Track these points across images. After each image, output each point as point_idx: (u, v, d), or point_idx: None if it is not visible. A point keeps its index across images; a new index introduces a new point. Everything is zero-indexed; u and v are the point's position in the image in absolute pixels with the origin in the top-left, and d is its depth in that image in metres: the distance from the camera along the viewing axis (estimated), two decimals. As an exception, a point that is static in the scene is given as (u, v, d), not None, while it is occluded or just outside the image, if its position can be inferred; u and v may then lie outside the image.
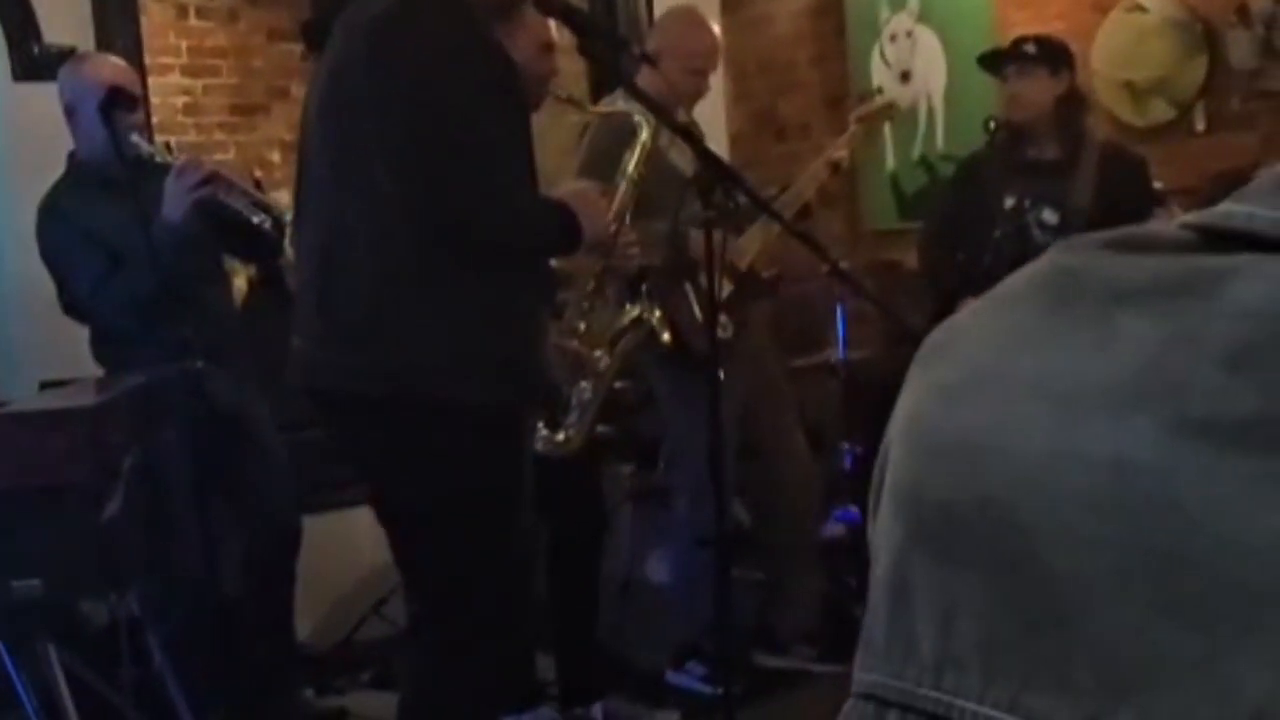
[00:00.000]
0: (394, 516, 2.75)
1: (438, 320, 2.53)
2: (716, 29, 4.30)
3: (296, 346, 2.71)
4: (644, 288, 3.83)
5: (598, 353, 3.69)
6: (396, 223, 2.50)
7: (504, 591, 2.67)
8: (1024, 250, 4.10)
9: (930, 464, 0.53)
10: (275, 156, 6.77)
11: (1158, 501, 0.46)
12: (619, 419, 4.74)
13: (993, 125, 4.24)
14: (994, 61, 4.25)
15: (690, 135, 2.84)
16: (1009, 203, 4.11)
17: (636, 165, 3.44)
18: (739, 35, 6.03)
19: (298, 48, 6.88)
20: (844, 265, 4.80)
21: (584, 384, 3.64)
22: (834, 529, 4.91)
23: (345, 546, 4.89)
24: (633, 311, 3.75)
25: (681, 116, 3.66)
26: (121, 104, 3.38)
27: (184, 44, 6.42)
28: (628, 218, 3.36)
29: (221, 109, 6.62)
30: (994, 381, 0.53)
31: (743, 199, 3.20)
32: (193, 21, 6.52)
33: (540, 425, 3.42)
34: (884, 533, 0.57)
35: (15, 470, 2.43)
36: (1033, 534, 0.48)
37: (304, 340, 2.68)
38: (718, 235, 3.02)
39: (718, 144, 4.20)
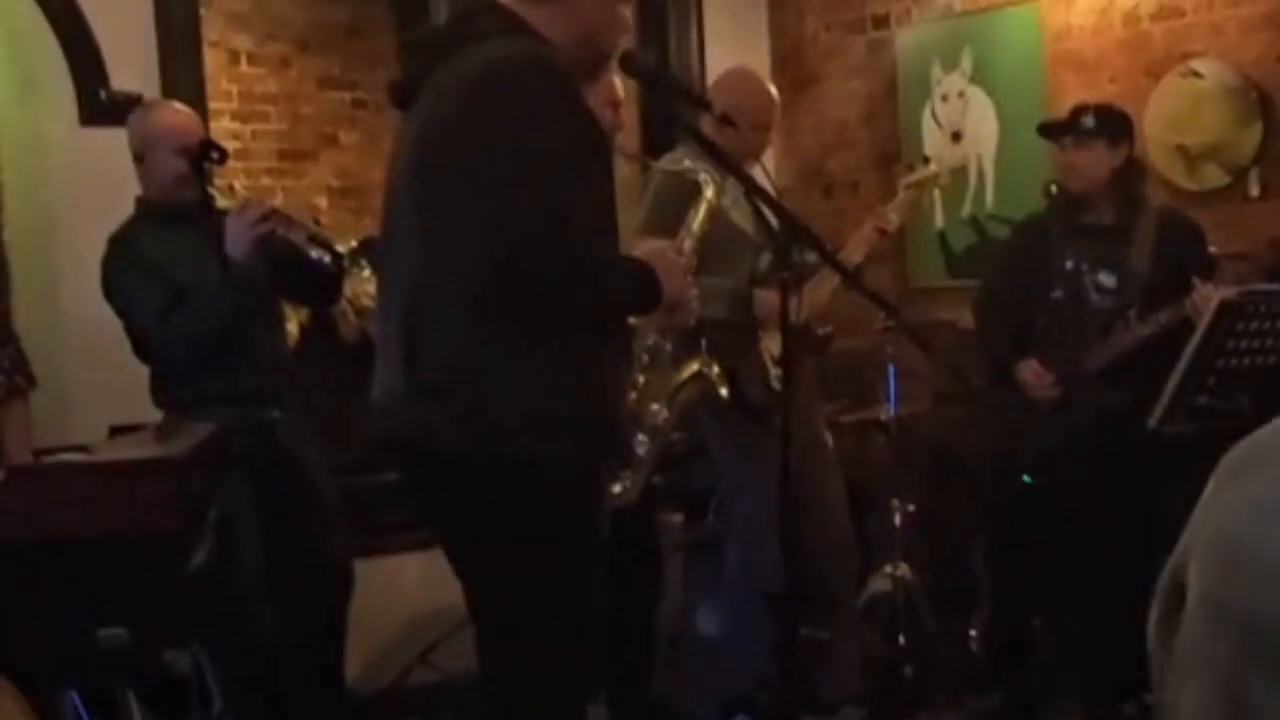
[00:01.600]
0: (469, 571, 2.75)
1: (520, 378, 2.54)
2: (774, 88, 4.35)
3: (376, 399, 2.72)
4: (703, 342, 3.86)
5: (655, 406, 3.71)
6: (482, 281, 2.51)
7: (575, 648, 2.68)
8: (1081, 313, 4.13)
9: (1260, 584, 0.55)
10: (322, 202, 6.83)
11: None
12: (669, 469, 4.76)
13: (1053, 190, 4.27)
14: (1052, 131, 4.28)
15: (768, 196, 2.86)
16: (1067, 265, 4.13)
17: (702, 223, 3.46)
18: (790, 93, 6.06)
19: (347, 95, 6.97)
20: (893, 322, 4.85)
21: (641, 437, 3.66)
22: (881, 585, 4.90)
23: (393, 592, 4.90)
24: (692, 366, 3.78)
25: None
26: (211, 155, 3.43)
27: (235, 89, 6.49)
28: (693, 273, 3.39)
29: (270, 154, 6.68)
30: None
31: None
32: (245, 68, 6.60)
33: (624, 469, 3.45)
34: (1198, 644, 0.58)
35: (105, 519, 2.45)
36: None
37: (385, 394, 2.70)
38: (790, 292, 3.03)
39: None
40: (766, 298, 4.01)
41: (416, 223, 2.61)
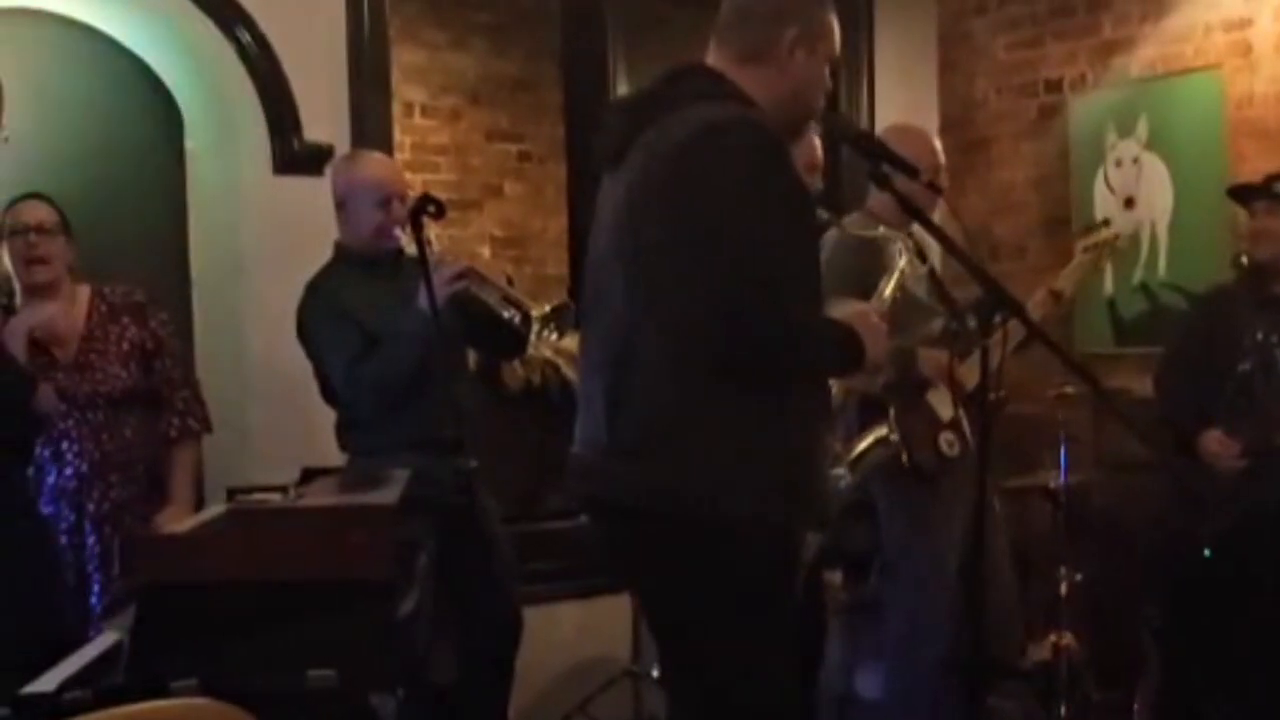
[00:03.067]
0: (664, 630, 2.77)
1: (726, 441, 2.55)
2: (939, 146, 4.36)
3: (577, 455, 2.75)
4: (891, 410, 3.86)
5: (840, 470, 3.71)
6: (688, 340, 2.54)
7: (770, 713, 2.68)
8: (1270, 385, 4.06)
9: None
10: (485, 251, 6.93)
11: None
12: (829, 528, 4.74)
13: (1243, 260, 4.21)
14: (1243, 195, 4.22)
15: (968, 260, 2.86)
16: (1257, 337, 4.07)
17: (894, 289, 3.48)
18: (958, 154, 6.05)
19: (514, 148, 7.08)
20: (1065, 390, 4.80)
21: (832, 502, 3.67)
22: (1044, 654, 4.83)
23: (553, 640, 4.94)
24: (879, 431, 3.77)
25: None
26: (429, 209, 3.52)
27: (408, 140, 6.63)
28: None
29: (440, 204, 6.80)
30: None
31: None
32: (418, 119, 6.74)
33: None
34: None
35: (319, 563, 2.50)
36: None
37: (586, 449, 2.73)
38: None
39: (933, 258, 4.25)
40: (932, 356, 4.00)
41: (624, 281, 2.64)
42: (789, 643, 2.71)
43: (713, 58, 2.77)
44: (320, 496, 2.85)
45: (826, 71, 2.84)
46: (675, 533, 2.58)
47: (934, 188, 2.92)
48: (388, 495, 2.70)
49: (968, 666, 3.26)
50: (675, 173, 2.56)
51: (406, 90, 6.57)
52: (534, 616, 4.38)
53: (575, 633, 5.14)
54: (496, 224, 7.04)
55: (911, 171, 2.85)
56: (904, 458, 3.83)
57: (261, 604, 2.51)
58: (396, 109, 6.39)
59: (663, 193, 2.58)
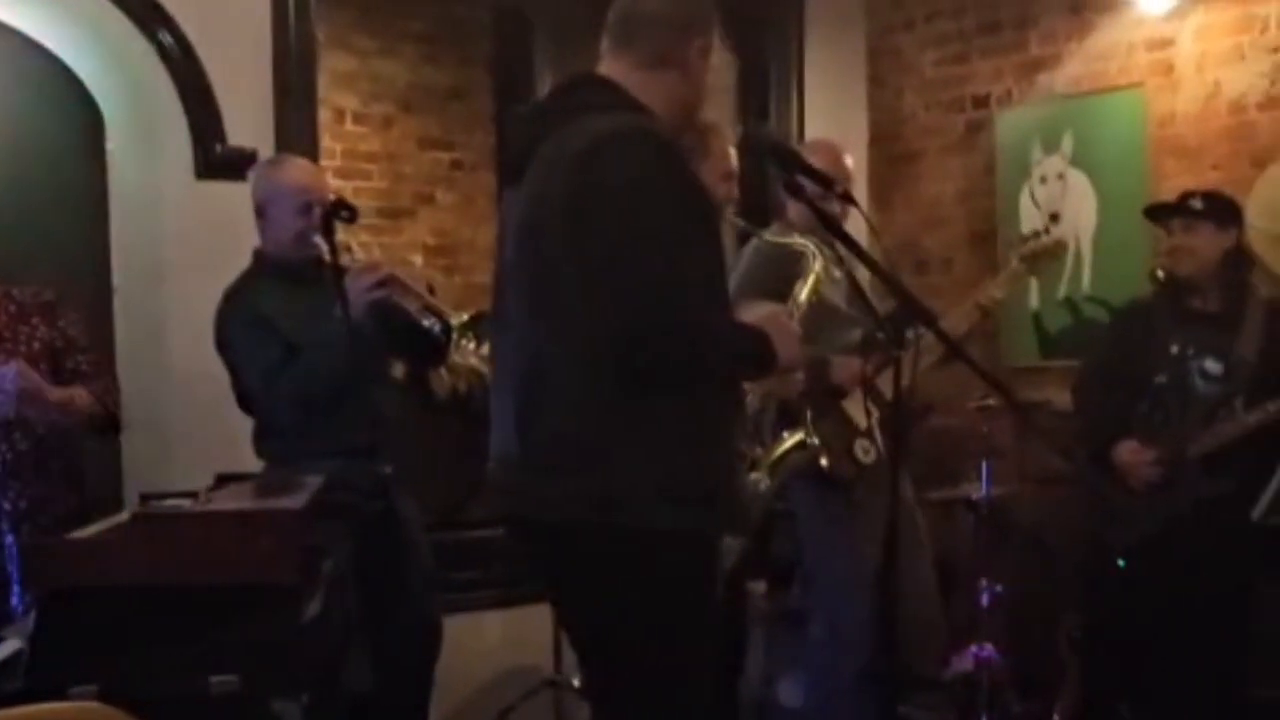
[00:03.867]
0: (586, 642, 2.76)
1: (638, 449, 2.54)
2: (850, 160, 4.40)
3: (493, 472, 2.74)
4: (808, 413, 3.87)
5: (755, 475, 3.72)
6: (596, 352, 2.53)
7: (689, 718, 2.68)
8: (1185, 399, 4.11)
9: None
10: (417, 259, 6.91)
11: None
12: (752, 538, 4.76)
13: (1160, 275, 4.26)
14: (1160, 213, 4.28)
15: (882, 270, 2.88)
16: (1173, 350, 4.11)
17: (809, 294, 3.49)
18: (886, 168, 6.11)
19: (445, 156, 7.06)
20: (987, 401, 4.85)
21: (749, 507, 3.67)
22: (964, 664, 4.86)
23: (475, 649, 4.93)
24: (796, 435, 3.79)
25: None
26: (342, 215, 3.50)
27: (339, 147, 6.59)
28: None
29: (369, 211, 6.75)
30: None
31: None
32: (349, 126, 6.71)
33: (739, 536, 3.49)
34: None
35: (223, 568, 2.48)
36: None
37: (503, 465, 2.71)
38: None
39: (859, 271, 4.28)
40: (843, 365, 4.02)
41: (529, 295, 2.63)
42: (709, 651, 2.70)
43: (607, 66, 2.76)
44: (228, 501, 2.83)
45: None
46: (593, 545, 2.57)
47: (847, 198, 2.93)
48: (294, 500, 2.68)
49: (882, 677, 3.27)
50: (574, 184, 2.55)
51: (337, 97, 6.53)
52: (457, 625, 4.36)
53: (497, 642, 5.13)
54: (429, 232, 7.02)
55: (826, 182, 2.87)
56: (822, 461, 3.84)
57: (164, 609, 2.49)
58: (327, 116, 6.37)
59: (563, 204, 2.57)
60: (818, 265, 3.52)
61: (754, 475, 3.71)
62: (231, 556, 2.48)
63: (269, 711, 2.51)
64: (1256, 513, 3.49)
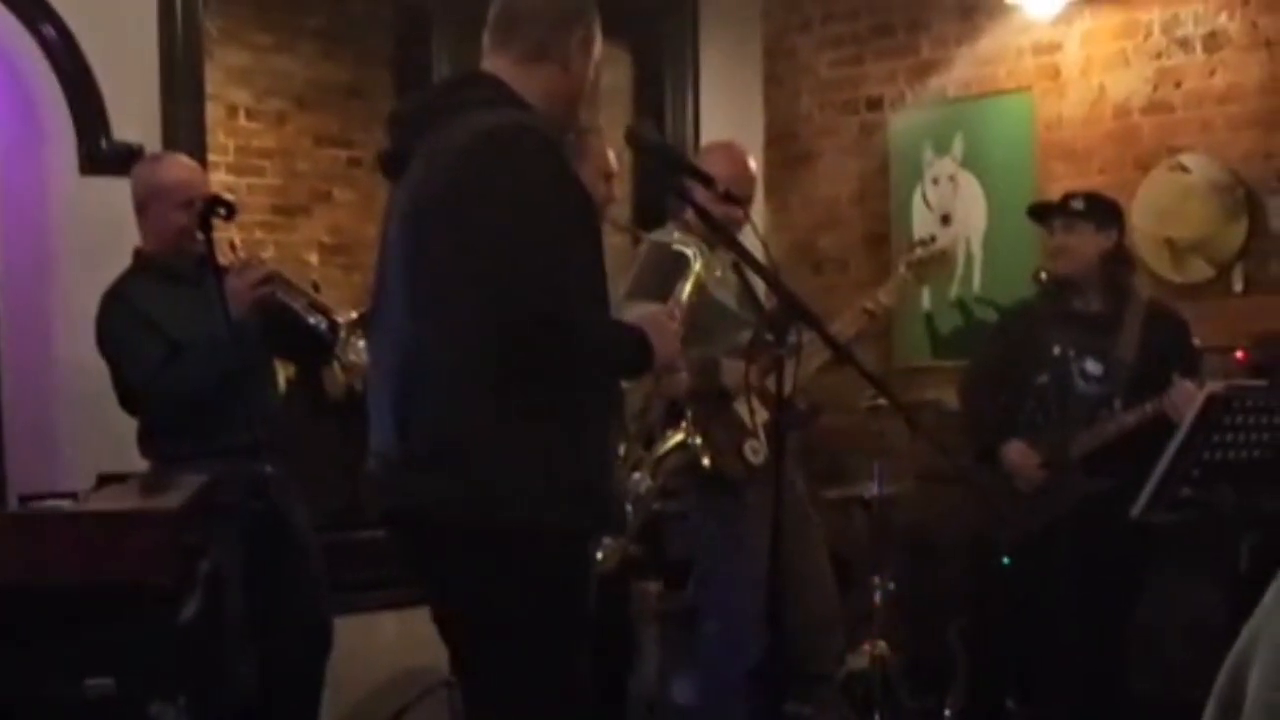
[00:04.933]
0: (461, 638, 2.76)
1: (515, 446, 2.55)
2: (754, 162, 4.42)
3: (372, 467, 2.73)
4: (689, 413, 3.89)
5: (637, 475, 3.74)
6: (473, 348, 2.53)
7: (563, 715, 2.68)
8: (1066, 399, 4.17)
9: None
10: (313, 258, 6.85)
11: None
12: (646, 538, 4.77)
13: (1042, 276, 4.33)
14: (1043, 214, 4.34)
15: (764, 270, 2.90)
16: (1055, 351, 4.17)
17: (690, 294, 3.51)
18: (783, 169, 6.14)
19: (343, 154, 7.00)
20: (878, 402, 4.90)
21: (626, 506, 3.68)
22: (859, 663, 4.91)
23: (368, 651, 4.89)
24: (677, 435, 3.81)
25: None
26: (218, 211, 3.46)
27: (232, 143, 6.52)
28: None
29: (264, 209, 6.70)
30: None
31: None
32: (242, 122, 6.63)
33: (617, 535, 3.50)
34: None
35: (98, 568, 2.45)
36: None
37: (378, 460, 2.71)
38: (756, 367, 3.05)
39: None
40: (734, 367, 4.04)
41: (408, 290, 2.63)
42: (583, 648, 2.71)
43: (490, 62, 2.77)
44: (106, 502, 2.79)
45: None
46: (467, 541, 2.58)
47: (731, 199, 2.95)
48: (171, 500, 2.65)
49: (768, 674, 3.29)
50: (455, 179, 2.56)
51: (231, 93, 6.46)
52: (352, 626, 4.33)
53: (393, 643, 5.09)
54: (325, 230, 6.95)
55: (707, 181, 2.88)
56: (704, 461, 3.86)
57: (39, 611, 2.46)
58: (220, 112, 6.30)
59: (444, 200, 2.57)
60: (698, 265, 3.54)
61: (636, 475, 3.73)
62: (106, 557, 2.46)
63: (146, 714, 2.49)
64: (1136, 510, 3.55)
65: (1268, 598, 0.63)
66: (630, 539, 3.75)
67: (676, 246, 3.68)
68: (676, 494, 4.38)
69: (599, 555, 3.58)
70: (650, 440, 3.79)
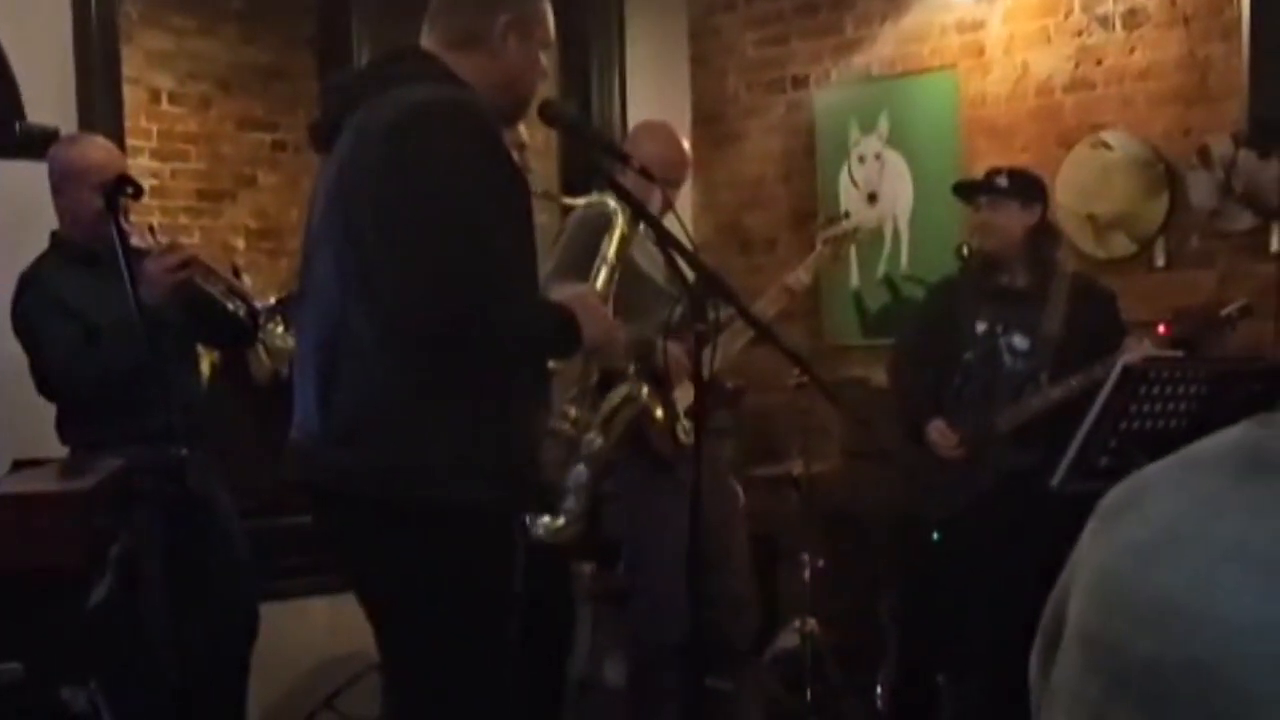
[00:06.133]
0: (382, 615, 2.74)
1: (438, 422, 2.54)
2: (687, 143, 4.41)
3: (294, 440, 2.71)
4: (631, 367, 3.87)
5: (590, 435, 3.72)
6: (399, 325, 2.52)
7: (487, 696, 2.67)
8: (993, 374, 4.19)
9: (1133, 622, 0.56)
10: (240, 242, 6.79)
11: None
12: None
13: (965, 252, 4.34)
14: (967, 191, 4.36)
15: (682, 248, 2.89)
16: (980, 327, 4.20)
17: (616, 251, 3.49)
18: (710, 149, 6.14)
19: (267, 137, 6.94)
20: (805, 379, 4.90)
21: (580, 468, 3.67)
22: (790, 640, 4.92)
23: (299, 637, 4.86)
24: (622, 390, 3.79)
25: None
26: (126, 191, 3.41)
27: (155, 128, 6.46)
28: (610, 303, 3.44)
29: (189, 194, 6.65)
30: (1191, 543, 0.56)
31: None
32: (165, 106, 6.56)
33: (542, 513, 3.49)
34: (1072, 679, 0.60)
35: (3, 551, 2.41)
36: (1246, 697, 0.51)
37: (303, 436, 2.68)
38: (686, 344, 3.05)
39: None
40: (669, 349, 4.04)
41: (334, 265, 2.61)
42: (508, 627, 2.70)
43: (426, 41, 2.75)
44: (15, 485, 2.75)
45: (542, 57, 2.83)
46: (388, 518, 2.56)
47: (645, 174, 2.93)
48: (79, 484, 2.61)
49: (688, 651, 3.29)
50: (384, 153, 2.54)
51: (153, 77, 6.40)
52: (282, 612, 4.30)
53: (323, 628, 5.06)
54: (251, 215, 6.90)
55: (623, 158, 2.87)
56: (658, 413, 3.84)
57: (-57, 597, 2.42)
58: (142, 96, 6.24)
59: (372, 173, 2.55)
60: (621, 220, 3.52)
61: (588, 436, 3.71)
62: (12, 541, 2.41)
63: (57, 699, 2.45)
64: (1055, 480, 3.58)
65: (1088, 530, 0.63)
66: (590, 501, 3.73)
67: (597, 204, 3.65)
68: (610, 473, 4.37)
69: (560, 523, 3.58)
70: (595, 401, 3.77)
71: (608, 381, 3.86)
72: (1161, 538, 0.56)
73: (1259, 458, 0.56)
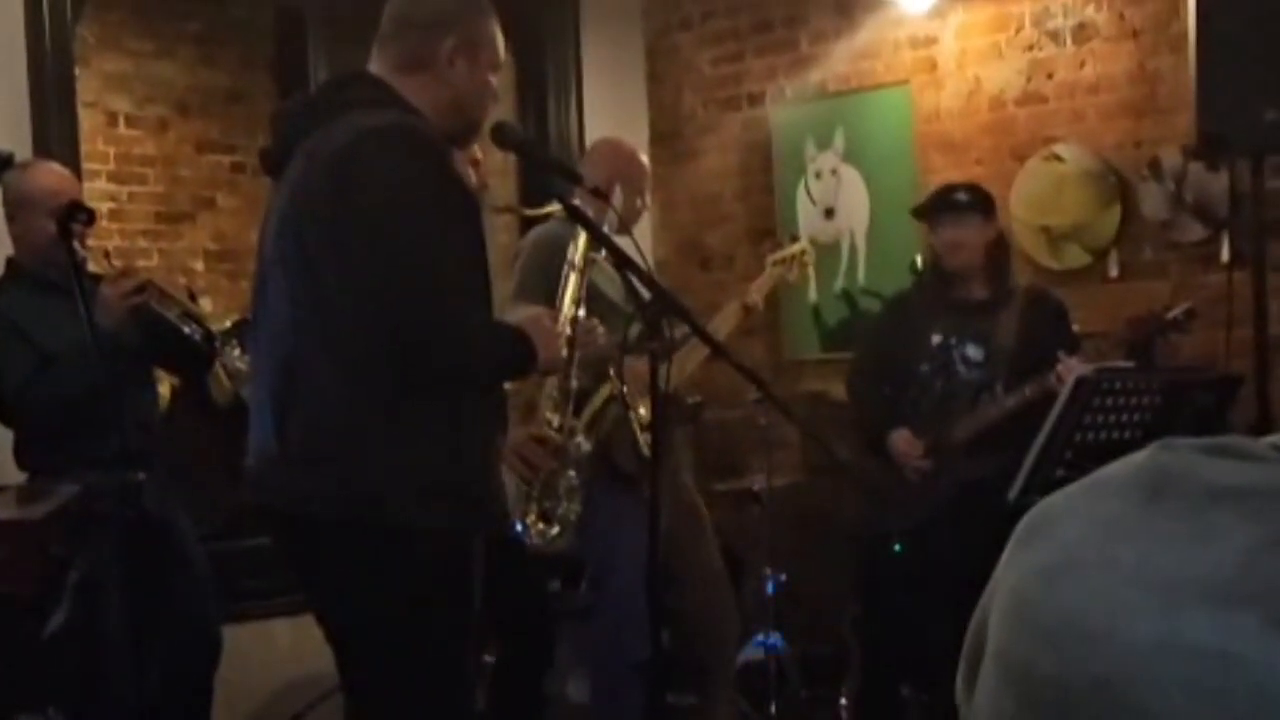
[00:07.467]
0: (342, 638, 2.74)
1: (394, 446, 2.55)
2: (645, 159, 4.43)
3: (251, 465, 2.71)
4: (610, 368, 3.89)
5: (578, 439, 3.74)
6: (355, 349, 2.53)
7: (449, 716, 2.68)
8: (948, 386, 4.22)
9: (1039, 642, 0.59)
10: (199, 265, 6.78)
11: (1267, 693, 0.52)
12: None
13: (919, 266, 4.37)
14: (929, 211, 4.38)
15: (636, 266, 2.90)
16: (935, 340, 4.22)
17: (582, 253, 3.50)
18: (668, 166, 6.16)
19: (226, 159, 6.93)
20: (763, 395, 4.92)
21: (570, 472, 3.68)
22: (754, 654, 4.93)
23: (262, 659, 4.84)
24: (603, 391, 3.81)
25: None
26: (79, 217, 3.41)
27: (112, 151, 6.44)
28: (583, 308, 3.45)
29: (147, 216, 6.63)
30: (1095, 567, 0.58)
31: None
32: (122, 130, 6.55)
33: (534, 520, 3.55)
34: (989, 699, 0.61)
35: (-41, 580, 2.41)
36: (1146, 716, 0.54)
37: (259, 459, 2.69)
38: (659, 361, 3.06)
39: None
40: (630, 366, 4.05)
41: (287, 288, 2.62)
42: (467, 649, 2.71)
43: (375, 66, 2.76)
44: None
45: (493, 79, 2.84)
46: (346, 540, 2.57)
47: (598, 194, 2.95)
48: (34, 511, 2.60)
49: (650, 666, 3.30)
50: (335, 178, 2.55)
51: (110, 100, 6.38)
52: (246, 634, 4.29)
53: (286, 650, 5.04)
54: (210, 237, 6.89)
55: (575, 178, 2.89)
56: (642, 410, 3.86)
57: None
58: (99, 119, 6.23)
59: (323, 198, 2.56)
60: (581, 245, 3.54)
61: (575, 440, 3.72)
62: (-34, 570, 2.41)
63: (13, 727, 2.44)
64: (1012, 494, 3.60)
65: (1006, 552, 0.65)
66: (579, 511, 3.75)
67: (558, 214, 3.66)
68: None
69: (554, 530, 3.60)
70: (580, 406, 3.79)
71: (584, 388, 3.88)
72: (1066, 560, 0.58)
73: (1162, 482, 0.59)
